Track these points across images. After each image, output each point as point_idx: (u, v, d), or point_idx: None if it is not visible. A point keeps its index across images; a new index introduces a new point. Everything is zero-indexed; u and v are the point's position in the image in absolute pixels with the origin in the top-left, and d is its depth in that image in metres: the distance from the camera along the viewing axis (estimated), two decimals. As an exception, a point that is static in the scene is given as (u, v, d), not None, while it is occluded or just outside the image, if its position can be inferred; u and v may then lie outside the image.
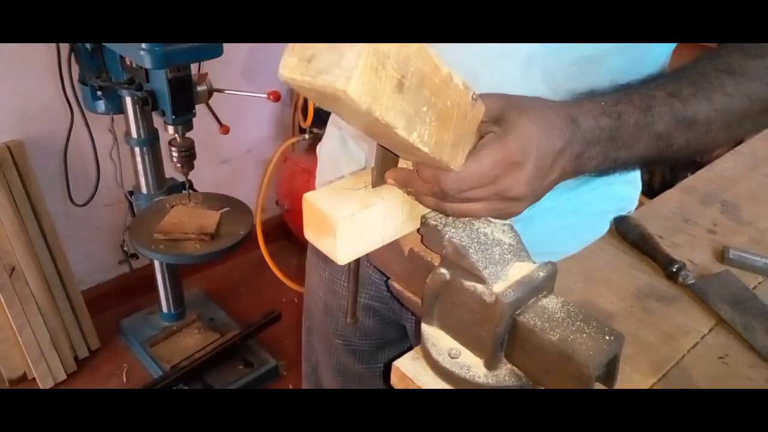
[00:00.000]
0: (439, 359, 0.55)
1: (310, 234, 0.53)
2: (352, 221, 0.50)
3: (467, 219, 0.54)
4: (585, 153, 0.50)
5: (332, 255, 0.52)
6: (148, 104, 1.46)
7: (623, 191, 0.81)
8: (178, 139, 1.54)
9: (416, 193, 0.51)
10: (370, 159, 0.74)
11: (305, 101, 2.06)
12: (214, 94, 1.58)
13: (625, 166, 0.54)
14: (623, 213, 0.83)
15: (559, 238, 0.77)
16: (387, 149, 0.51)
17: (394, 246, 0.57)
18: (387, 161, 0.52)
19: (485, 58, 0.62)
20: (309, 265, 0.98)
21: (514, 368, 0.53)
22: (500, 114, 0.48)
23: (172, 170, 1.72)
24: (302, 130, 2.14)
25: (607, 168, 0.53)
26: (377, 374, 0.98)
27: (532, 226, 0.68)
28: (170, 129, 1.52)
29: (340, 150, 0.83)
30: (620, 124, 0.51)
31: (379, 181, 0.53)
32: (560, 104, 0.51)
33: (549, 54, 0.60)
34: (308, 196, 0.52)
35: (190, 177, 1.66)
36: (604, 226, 0.83)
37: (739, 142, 1.03)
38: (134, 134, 1.66)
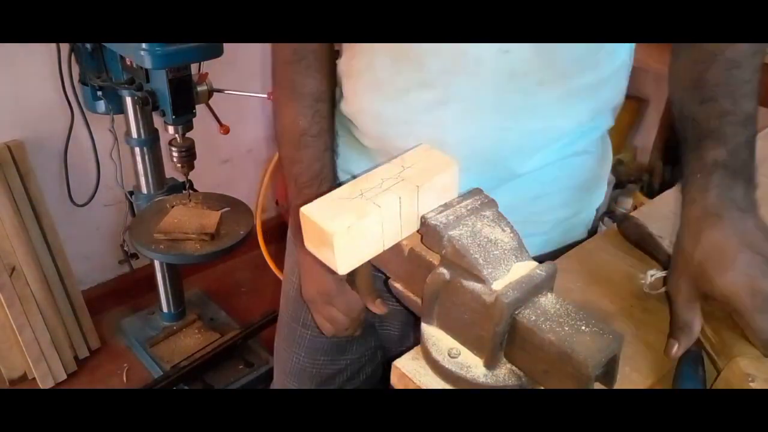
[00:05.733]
0: (438, 359, 0.55)
1: (310, 246, 0.54)
2: (349, 232, 0.50)
3: (468, 219, 0.54)
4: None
5: (333, 266, 0.52)
6: (148, 104, 1.46)
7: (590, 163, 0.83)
8: (178, 139, 1.54)
9: None
10: (377, 157, 0.76)
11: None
12: (215, 94, 1.59)
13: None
14: (600, 192, 0.86)
15: (546, 204, 0.79)
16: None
17: (394, 246, 0.57)
18: None
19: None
20: (287, 251, 0.97)
21: (514, 368, 0.53)
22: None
23: (172, 170, 1.72)
24: (302, 130, 2.13)
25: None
26: (339, 369, 0.97)
27: (519, 189, 0.74)
28: (170, 129, 1.52)
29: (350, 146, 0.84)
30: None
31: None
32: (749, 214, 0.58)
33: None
34: (304, 210, 0.52)
35: (190, 177, 1.66)
36: (590, 201, 0.85)
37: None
38: (134, 134, 1.66)
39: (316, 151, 0.77)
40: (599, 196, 0.86)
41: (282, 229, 2.54)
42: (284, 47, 0.76)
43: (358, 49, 0.74)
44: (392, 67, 0.69)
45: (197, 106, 1.53)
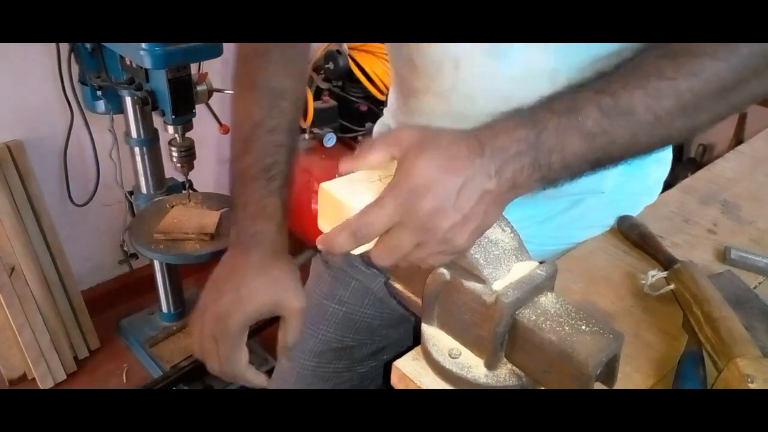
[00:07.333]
0: (439, 359, 0.55)
1: (324, 224, 0.54)
2: None
3: None
4: (506, 169, 0.49)
5: None
6: (147, 104, 1.46)
7: (654, 172, 0.85)
8: (177, 138, 1.54)
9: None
10: None
11: (304, 101, 2.06)
12: (214, 94, 1.58)
13: (569, 169, 0.52)
14: (653, 195, 0.87)
15: (597, 215, 0.81)
16: None
17: (395, 246, 0.57)
18: None
19: (514, 78, 0.65)
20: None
21: (514, 368, 0.53)
22: (404, 153, 0.49)
23: (171, 170, 1.72)
24: (302, 130, 2.14)
25: (550, 176, 0.52)
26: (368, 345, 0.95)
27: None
28: (170, 129, 1.52)
29: None
30: (539, 131, 0.50)
31: None
32: (468, 133, 0.51)
33: (570, 68, 0.62)
34: (325, 186, 0.52)
35: (189, 177, 1.66)
36: (637, 208, 0.85)
37: (740, 142, 1.03)
38: (134, 134, 1.66)
39: (269, 145, 0.69)
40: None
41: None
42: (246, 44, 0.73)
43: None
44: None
45: (197, 106, 1.53)
